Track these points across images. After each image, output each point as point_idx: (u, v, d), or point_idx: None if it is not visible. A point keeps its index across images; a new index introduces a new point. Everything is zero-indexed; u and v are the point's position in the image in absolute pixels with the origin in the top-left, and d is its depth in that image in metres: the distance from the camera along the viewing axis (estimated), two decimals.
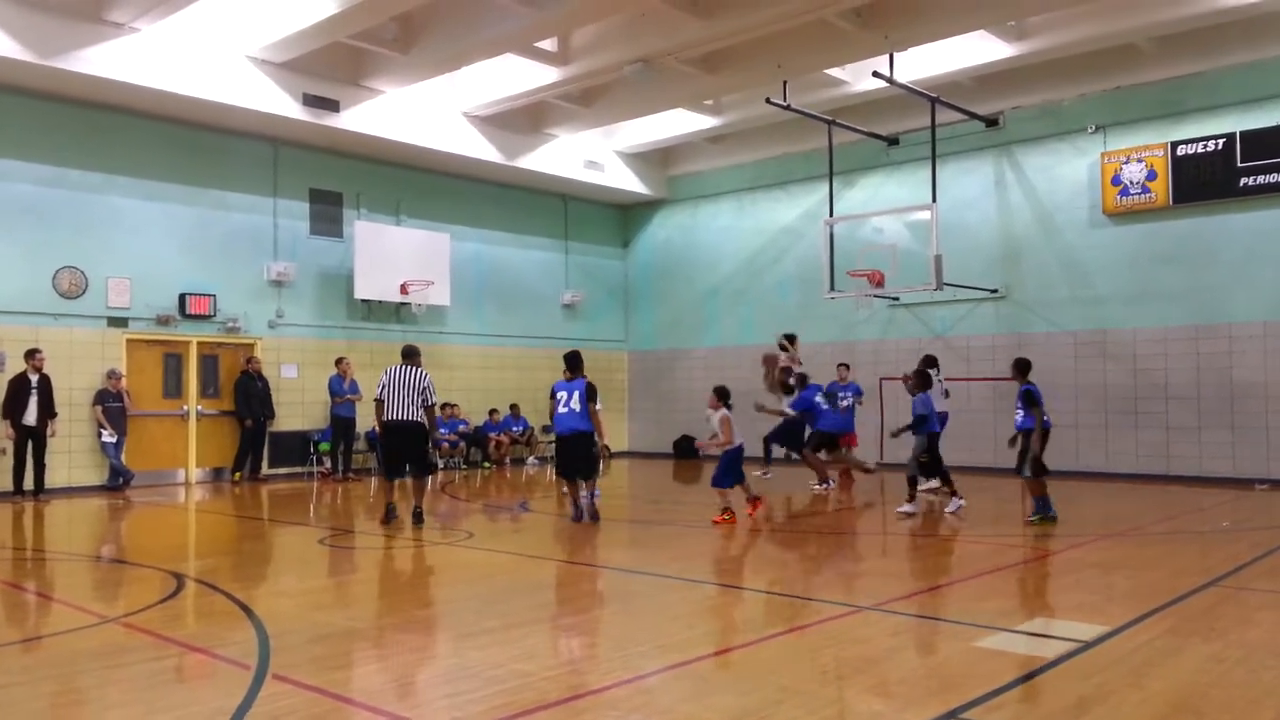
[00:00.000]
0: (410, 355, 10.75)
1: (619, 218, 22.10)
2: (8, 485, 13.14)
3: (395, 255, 17.33)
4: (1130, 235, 15.42)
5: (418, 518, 10.18)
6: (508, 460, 18.73)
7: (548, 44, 15.09)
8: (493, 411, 18.73)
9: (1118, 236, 15.53)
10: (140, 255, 14.85)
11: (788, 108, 15.89)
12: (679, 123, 18.56)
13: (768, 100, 15.83)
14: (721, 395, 10.26)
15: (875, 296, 16.62)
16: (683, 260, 21.20)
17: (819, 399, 13.80)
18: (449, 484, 15.46)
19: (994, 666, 4.86)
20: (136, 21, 13.09)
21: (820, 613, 6.28)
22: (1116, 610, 6.09)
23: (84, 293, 14.33)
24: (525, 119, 18.03)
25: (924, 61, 15.28)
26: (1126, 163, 15.34)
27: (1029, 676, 4.69)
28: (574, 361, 10.67)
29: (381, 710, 4.27)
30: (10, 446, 13.14)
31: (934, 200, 15.51)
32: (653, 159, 20.79)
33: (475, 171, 18.59)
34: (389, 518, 10.34)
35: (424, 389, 10.38)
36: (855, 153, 17.87)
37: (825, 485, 13.55)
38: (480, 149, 17.62)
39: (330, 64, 15.11)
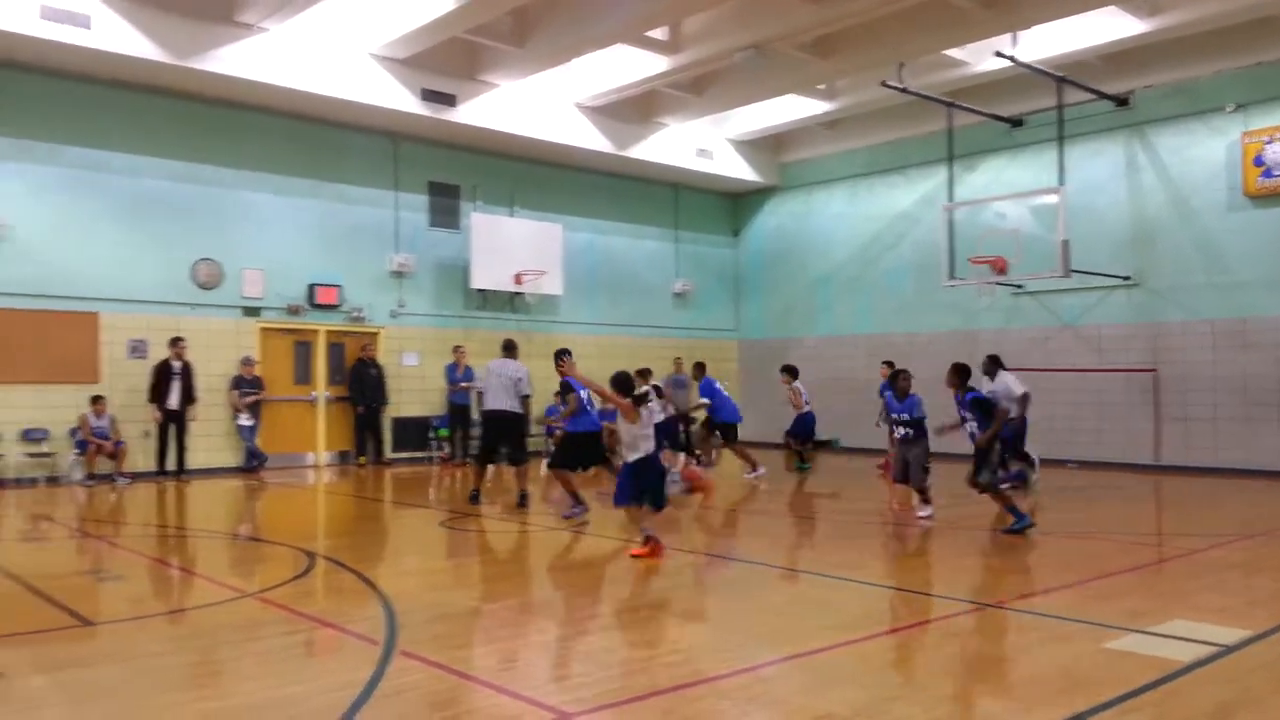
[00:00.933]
0: (510, 348, 11.08)
1: (729, 206, 21.99)
2: (152, 466, 13.95)
3: (509, 246, 17.66)
4: (1273, 218, 14.49)
5: (522, 502, 10.47)
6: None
7: (659, 33, 15.09)
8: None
9: (1260, 219, 14.61)
10: (271, 247, 15.53)
11: (904, 91, 15.48)
12: (791, 108, 18.32)
13: (883, 83, 15.47)
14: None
15: (998, 284, 16.09)
16: (795, 248, 20.96)
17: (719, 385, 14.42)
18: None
19: (1127, 668, 4.65)
20: (265, 22, 13.65)
21: (941, 609, 6.14)
22: (1261, 614, 5.76)
23: (220, 284, 15.08)
24: (636, 108, 18.09)
25: (1049, 40, 14.67)
26: (1270, 142, 14.40)
27: (1165, 680, 4.48)
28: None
29: (503, 689, 4.37)
30: (155, 429, 13.95)
31: (1061, 184, 14.91)
32: (764, 146, 20.59)
33: (587, 162, 18.76)
34: (474, 500, 10.96)
35: (519, 380, 10.64)
36: (976, 135, 17.30)
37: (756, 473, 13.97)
38: (592, 139, 17.78)
39: (447, 59, 15.47)
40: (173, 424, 14.01)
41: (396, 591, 6.38)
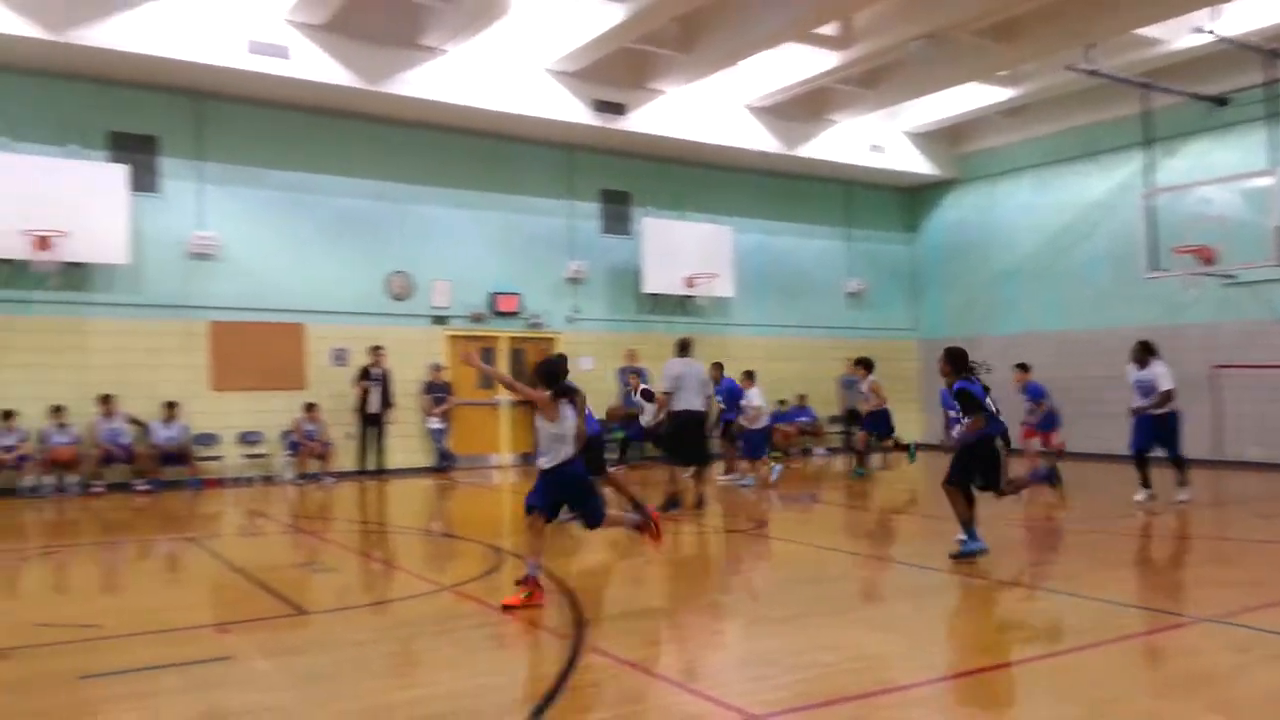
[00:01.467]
0: (689, 347, 11.02)
1: (905, 201, 21.37)
2: (354, 466, 14.91)
3: (680, 249, 17.82)
4: None
5: (699, 504, 10.44)
6: (795, 450, 18.69)
7: (828, 29, 14.87)
8: (781, 402, 18.80)
9: None
10: (457, 259, 16.29)
11: (1093, 73, 14.62)
12: (970, 97, 17.63)
13: (1069, 67, 14.66)
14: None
15: (1205, 275, 14.93)
16: (977, 242, 20.15)
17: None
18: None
19: None
20: (446, 44, 14.36)
21: (1148, 622, 5.76)
22: None
23: (412, 294, 15.95)
24: (805, 107, 17.88)
25: (1254, 11, 13.50)
26: None
27: None
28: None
29: (689, 688, 4.42)
30: (357, 432, 14.91)
31: (1273, 165, 13.68)
32: (941, 138, 19.91)
33: (756, 163, 18.69)
34: (671, 506, 10.59)
35: (705, 380, 10.67)
36: (1174, 117, 16.12)
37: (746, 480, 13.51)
38: (761, 140, 17.70)
39: (617, 70, 15.78)
40: (372, 428, 14.92)
41: (583, 589, 6.56)
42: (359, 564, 8.14)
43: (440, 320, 16.20)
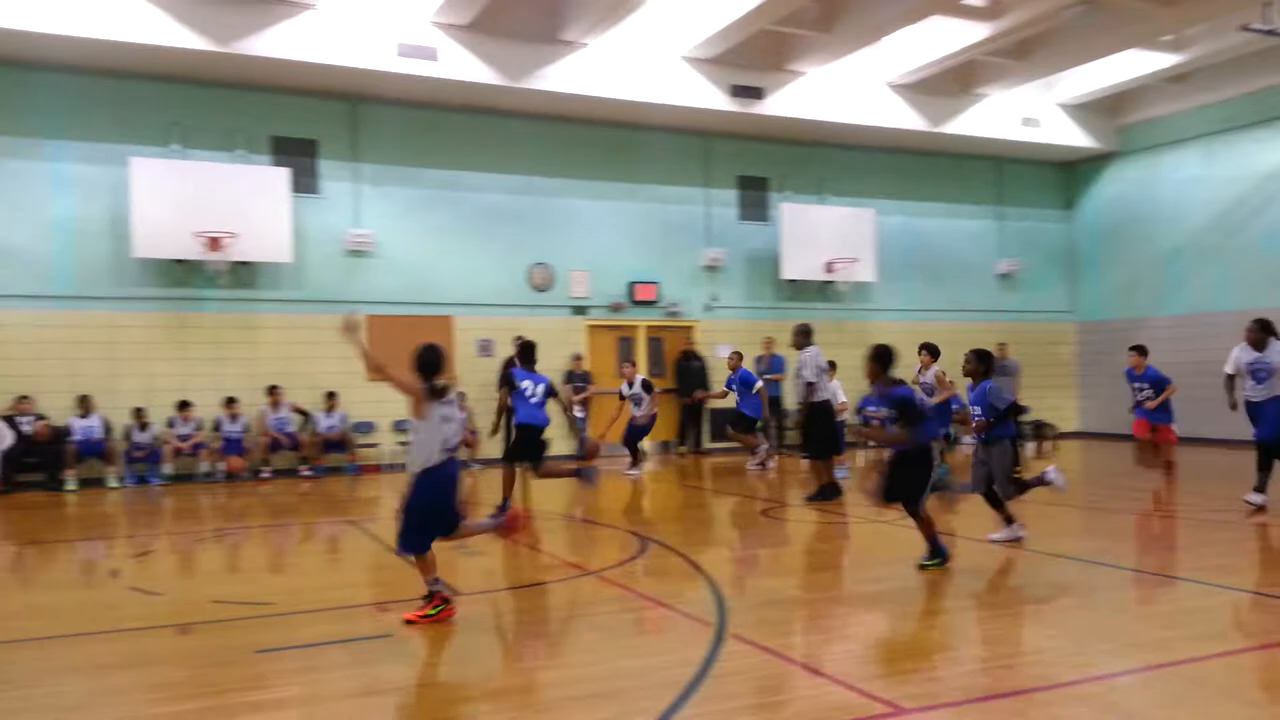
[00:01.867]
0: (810, 333, 10.75)
1: (1060, 177, 20.34)
2: (499, 454, 15.30)
3: (819, 234, 17.50)
4: None
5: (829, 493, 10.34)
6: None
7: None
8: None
9: None
10: (595, 249, 16.51)
11: (1271, 33, 13.50)
12: (1131, 65, 16.59)
13: (1243, 27, 13.58)
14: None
15: None
16: (1139, 218, 18.99)
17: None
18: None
19: None
20: (585, 37, 14.52)
21: None
22: None
23: (552, 286, 16.27)
24: (952, 81, 17.22)
25: None
26: None
27: None
28: (531, 352, 10.12)
29: (835, 679, 4.34)
30: (502, 420, 15.28)
31: None
32: (1099, 109, 18.82)
33: (899, 142, 18.16)
34: (830, 495, 10.37)
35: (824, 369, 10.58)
36: None
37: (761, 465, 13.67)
38: (904, 118, 17.18)
39: (754, 53, 15.60)
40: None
41: (724, 577, 6.54)
42: (505, 548, 8.36)
43: (580, 310, 16.46)
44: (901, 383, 6.73)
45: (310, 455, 14.19)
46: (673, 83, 15.41)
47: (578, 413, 15.84)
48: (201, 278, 13.94)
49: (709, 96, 15.69)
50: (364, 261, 15.03)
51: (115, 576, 7.25)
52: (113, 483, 13.15)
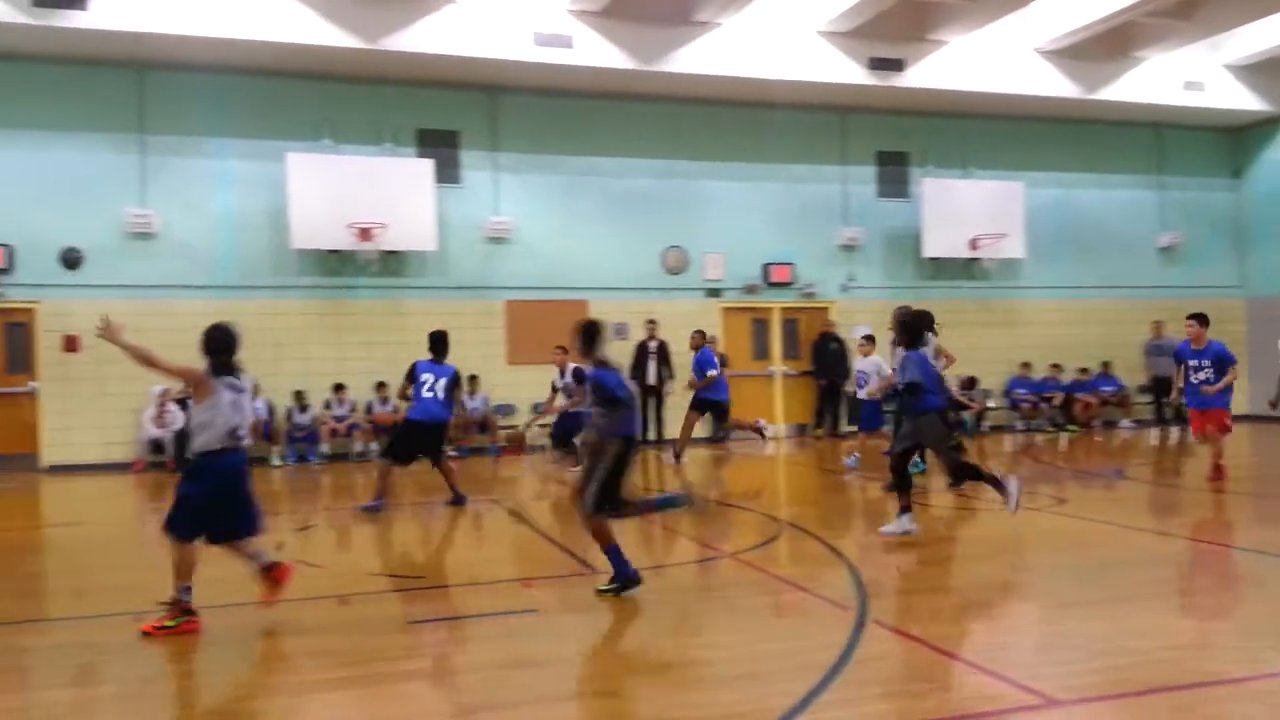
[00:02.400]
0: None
1: (1228, 143, 18.97)
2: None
3: (964, 210, 16.89)
4: None
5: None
6: (1097, 423, 17.28)
7: None
8: (1082, 370, 17.44)
9: None
10: (730, 231, 16.42)
11: None
12: None
13: None
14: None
15: None
16: None
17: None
18: (1030, 447, 14.73)
19: None
20: (719, 17, 14.41)
21: None
22: None
23: (686, 268, 16.29)
24: (1108, 45, 16.25)
25: None
26: None
27: None
28: (440, 343, 9.67)
29: (983, 668, 4.22)
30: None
31: None
32: (1270, 69, 17.42)
33: (1049, 111, 17.30)
34: (967, 478, 9.91)
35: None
36: None
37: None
38: (1055, 86, 16.35)
39: (894, 24, 15.12)
40: (651, 398, 15.42)
41: (864, 562, 6.43)
42: (642, 528, 8.45)
43: (714, 293, 16.42)
44: (605, 363, 5.99)
45: (455, 436, 14.68)
46: (808, 58, 15.13)
47: None
48: (353, 266, 14.59)
49: (846, 70, 15.34)
50: (503, 248, 15.41)
51: (280, 549, 7.70)
52: (275, 461, 13.96)
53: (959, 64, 15.81)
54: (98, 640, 5.04)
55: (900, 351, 9.31)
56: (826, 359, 16.43)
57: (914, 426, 7.49)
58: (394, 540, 8.44)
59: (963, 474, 7.75)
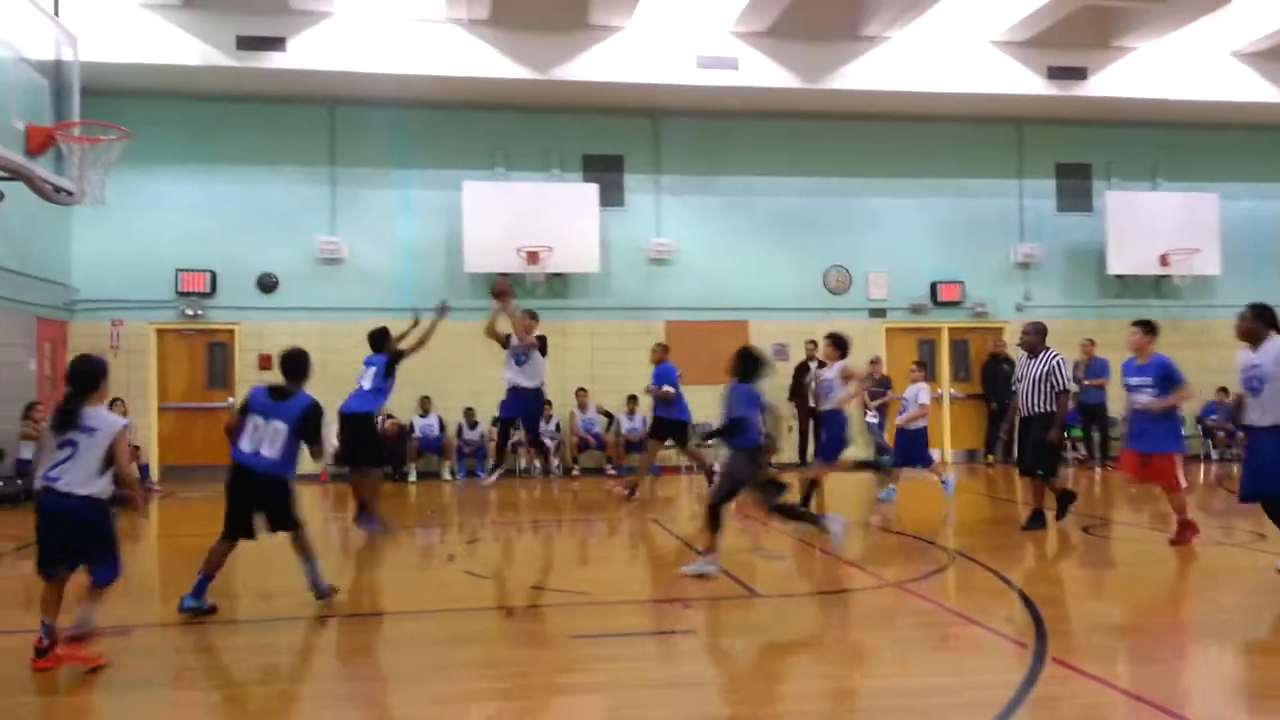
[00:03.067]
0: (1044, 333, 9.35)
1: None
2: (795, 458, 15.28)
3: (1152, 224, 15.86)
4: None
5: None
6: None
7: None
8: None
9: None
10: (895, 250, 16.01)
11: None
12: None
13: None
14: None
15: None
16: None
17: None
18: (1225, 478, 13.61)
19: None
20: (887, 31, 14.13)
21: None
22: None
23: (849, 288, 15.98)
24: None
25: None
26: None
27: None
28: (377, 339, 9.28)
29: (1176, 714, 3.90)
30: (796, 424, 15.26)
31: None
32: None
33: (1248, 118, 16.05)
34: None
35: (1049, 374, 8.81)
36: None
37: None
38: (1255, 90, 15.17)
39: (1075, 31, 14.39)
40: (813, 420, 15.14)
41: (1043, 596, 6.07)
42: (803, 552, 8.30)
43: (878, 313, 16.03)
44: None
45: (614, 455, 14.89)
46: (982, 69, 14.62)
47: (872, 418, 15.43)
48: (521, 289, 14.97)
49: (1023, 81, 14.72)
50: (664, 269, 15.56)
51: (451, 560, 8.00)
52: (446, 475, 14.54)
53: (1147, 71, 14.91)
54: (280, 642, 5.36)
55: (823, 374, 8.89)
56: (997, 381, 15.71)
57: (728, 466, 7.05)
58: (557, 555, 8.61)
59: (778, 513, 7.19)
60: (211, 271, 14.52)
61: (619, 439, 14.95)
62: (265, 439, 5.68)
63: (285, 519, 5.79)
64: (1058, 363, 8.85)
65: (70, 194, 8.82)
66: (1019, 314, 16.26)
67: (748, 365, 7.05)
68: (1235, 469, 11.87)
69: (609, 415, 15.09)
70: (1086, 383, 15.23)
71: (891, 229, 16.05)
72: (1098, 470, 14.79)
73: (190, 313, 14.45)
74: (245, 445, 5.72)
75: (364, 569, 7.75)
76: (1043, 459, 8.73)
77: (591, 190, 15.00)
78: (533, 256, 14.55)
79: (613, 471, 14.76)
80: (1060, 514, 8.97)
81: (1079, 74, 14.73)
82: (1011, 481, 13.74)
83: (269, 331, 14.35)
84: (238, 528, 5.78)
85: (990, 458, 15.87)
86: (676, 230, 15.60)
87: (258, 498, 5.74)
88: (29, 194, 8.77)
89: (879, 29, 14.06)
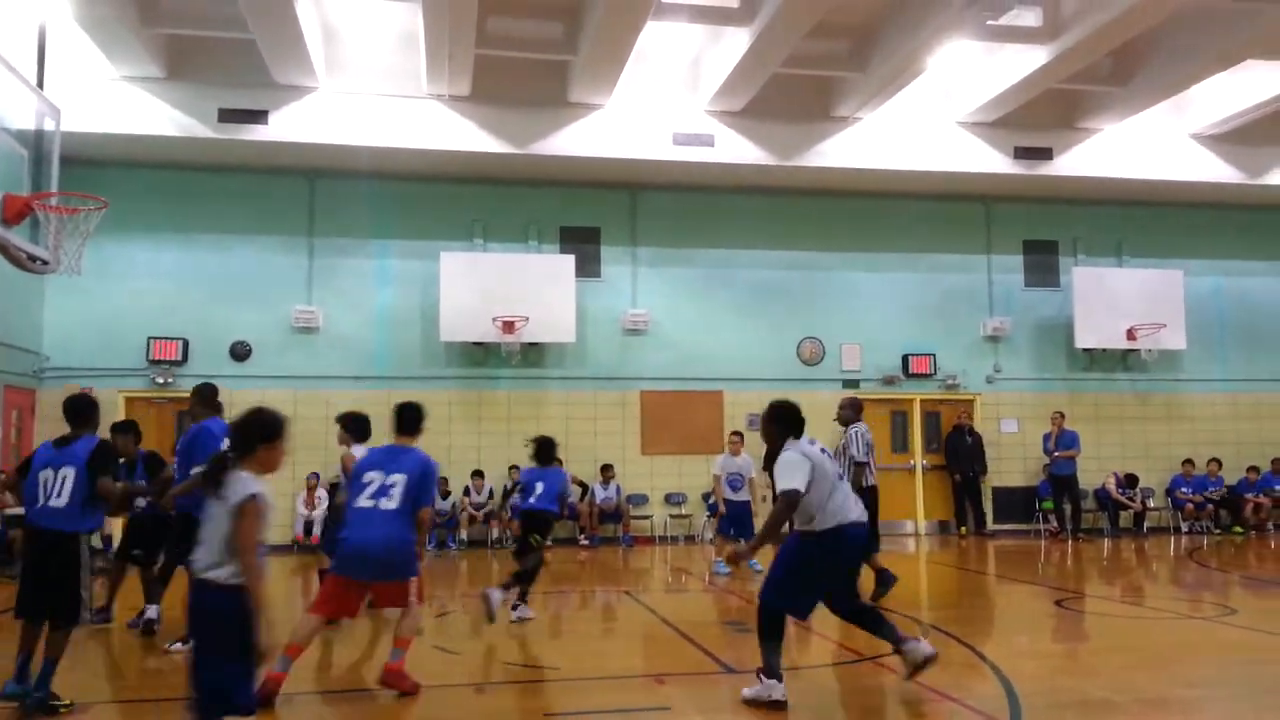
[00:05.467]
0: (861, 409, 9.78)
1: None
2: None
3: (1119, 299, 16.19)
4: None
5: None
6: (1270, 525, 15.97)
7: None
8: (1250, 469, 16.20)
9: None
10: (867, 322, 16.22)
11: None
12: None
13: None
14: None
15: None
16: None
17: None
18: (1195, 550, 13.71)
19: None
20: (859, 112, 14.52)
21: None
22: None
23: (822, 359, 16.14)
24: (1273, 128, 15.49)
25: None
26: None
27: None
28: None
29: None
30: (769, 495, 15.23)
31: None
32: None
33: (1210, 197, 16.54)
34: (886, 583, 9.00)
35: None
36: None
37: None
38: (1215, 171, 15.67)
39: (1040, 113, 14.85)
40: None
41: (1015, 671, 6.07)
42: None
43: (851, 384, 16.16)
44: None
45: (587, 525, 14.78)
46: (950, 149, 15.02)
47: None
48: (496, 358, 15.09)
49: (990, 160, 15.13)
50: (640, 339, 15.66)
51: (419, 634, 7.86)
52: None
53: (1111, 151, 15.38)
54: None
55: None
56: (961, 453, 15.85)
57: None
58: (528, 629, 8.49)
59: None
60: (184, 339, 14.45)
61: (593, 508, 14.86)
62: (54, 491, 5.26)
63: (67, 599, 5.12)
64: (854, 435, 9.31)
65: (45, 263, 8.79)
66: (989, 386, 16.50)
67: (545, 451, 8.29)
68: (1204, 541, 11.95)
69: (583, 485, 15.02)
70: (1057, 454, 15.40)
71: (864, 302, 16.29)
72: (1069, 542, 14.84)
73: (160, 380, 14.33)
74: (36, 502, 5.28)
75: (334, 644, 7.60)
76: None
77: (568, 261, 15.15)
78: (509, 326, 14.61)
79: (585, 541, 14.64)
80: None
81: (1045, 154, 15.16)
82: (984, 553, 13.76)
83: (239, 400, 14.17)
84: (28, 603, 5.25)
85: (963, 529, 15.90)
86: (652, 301, 15.74)
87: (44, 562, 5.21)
88: (2, 262, 8.75)
89: (850, 110, 14.44)
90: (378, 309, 15.02)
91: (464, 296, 14.58)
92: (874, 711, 5.30)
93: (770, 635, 5.28)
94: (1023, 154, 15.10)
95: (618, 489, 15.12)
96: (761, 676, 5.25)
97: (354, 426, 7.73)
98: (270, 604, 3.62)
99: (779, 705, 5.13)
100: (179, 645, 6.55)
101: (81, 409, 5.69)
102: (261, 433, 3.76)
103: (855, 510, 5.46)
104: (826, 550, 5.31)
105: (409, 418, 6.02)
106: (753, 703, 5.20)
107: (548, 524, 8.35)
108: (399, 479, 5.60)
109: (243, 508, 3.55)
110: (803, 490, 5.22)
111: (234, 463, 3.68)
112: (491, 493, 14.82)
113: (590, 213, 15.75)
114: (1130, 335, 16.15)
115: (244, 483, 3.61)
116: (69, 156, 9.56)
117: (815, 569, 5.34)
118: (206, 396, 7.68)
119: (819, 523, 5.32)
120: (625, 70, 13.10)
